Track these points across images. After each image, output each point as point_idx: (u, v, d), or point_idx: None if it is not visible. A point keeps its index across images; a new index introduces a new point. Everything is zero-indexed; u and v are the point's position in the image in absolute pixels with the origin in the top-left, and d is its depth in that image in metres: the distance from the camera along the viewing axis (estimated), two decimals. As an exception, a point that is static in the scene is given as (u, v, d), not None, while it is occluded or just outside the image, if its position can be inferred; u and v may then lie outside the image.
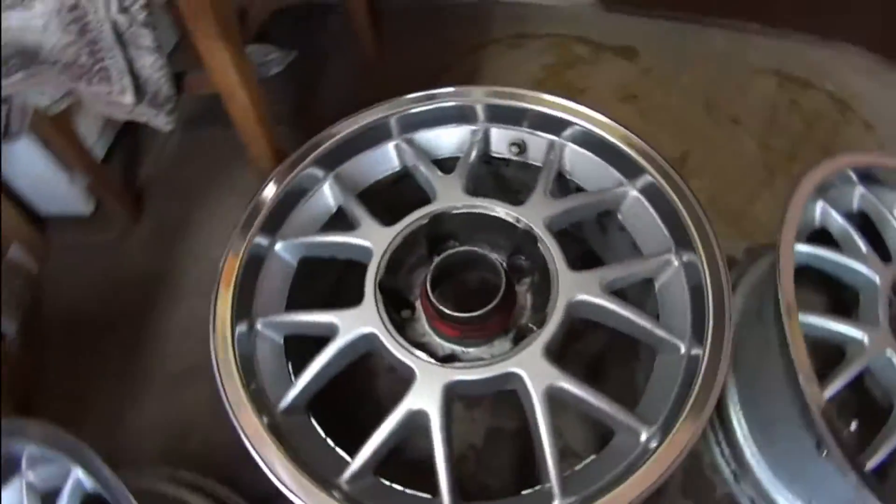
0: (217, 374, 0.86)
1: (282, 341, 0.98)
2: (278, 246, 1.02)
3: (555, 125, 1.09)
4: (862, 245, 1.17)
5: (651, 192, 1.05)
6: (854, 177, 1.23)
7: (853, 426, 1.12)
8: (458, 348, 0.95)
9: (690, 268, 0.96)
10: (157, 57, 1.04)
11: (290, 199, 1.05)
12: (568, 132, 1.09)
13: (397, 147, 1.10)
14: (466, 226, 1.02)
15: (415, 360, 0.86)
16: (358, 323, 0.90)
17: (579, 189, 1.12)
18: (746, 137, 1.87)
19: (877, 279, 1.13)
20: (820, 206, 1.20)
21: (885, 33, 2.14)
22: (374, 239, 0.98)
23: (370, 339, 0.89)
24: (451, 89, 1.09)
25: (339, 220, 1.06)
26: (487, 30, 2.06)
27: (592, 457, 0.89)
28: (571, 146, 1.11)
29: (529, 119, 1.10)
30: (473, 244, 0.98)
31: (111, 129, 1.75)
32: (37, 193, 1.59)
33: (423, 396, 0.84)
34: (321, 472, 0.82)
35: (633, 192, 1.06)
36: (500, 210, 1.00)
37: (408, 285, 1.02)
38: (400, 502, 0.86)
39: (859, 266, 1.14)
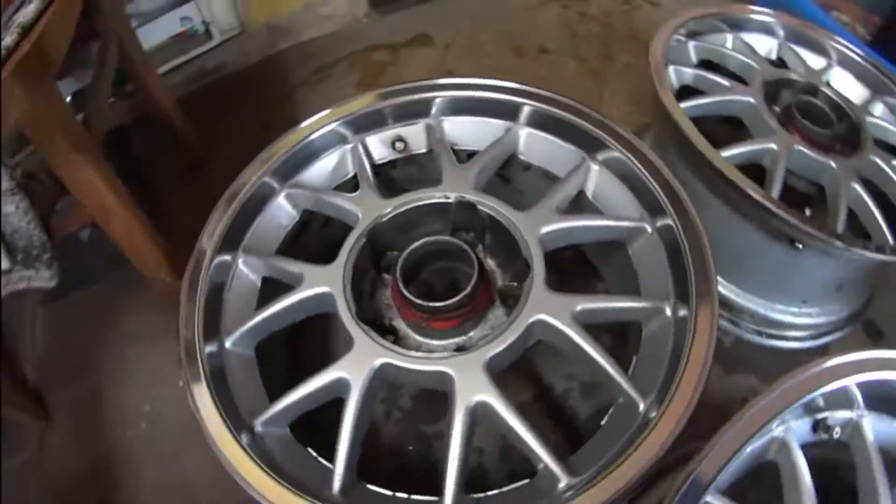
0: (191, 401, 0.79)
1: (253, 353, 0.90)
2: (241, 261, 0.95)
3: (422, 108, 1.05)
4: (721, 80, 1.30)
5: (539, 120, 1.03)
6: (684, 38, 1.39)
7: (807, 212, 1.21)
8: (419, 338, 0.89)
9: (665, 231, 0.90)
10: (20, 198, 0.97)
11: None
12: (441, 107, 1.05)
13: (289, 196, 1.01)
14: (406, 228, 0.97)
15: (358, 330, 0.82)
16: (321, 280, 0.87)
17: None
18: (561, 59, 1.99)
19: (749, 98, 1.24)
20: (672, 70, 1.31)
21: None
22: (365, 206, 0.94)
23: (326, 298, 0.86)
24: (309, 121, 1.03)
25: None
26: (288, 78, 2.05)
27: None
28: (451, 119, 1.08)
29: (396, 113, 1.06)
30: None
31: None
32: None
33: (352, 367, 0.80)
34: (305, 484, 0.76)
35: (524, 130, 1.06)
36: (435, 194, 0.96)
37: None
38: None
39: (734, 96, 1.27)
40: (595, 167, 0.98)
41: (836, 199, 1.14)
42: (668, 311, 0.84)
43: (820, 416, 0.72)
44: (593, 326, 0.83)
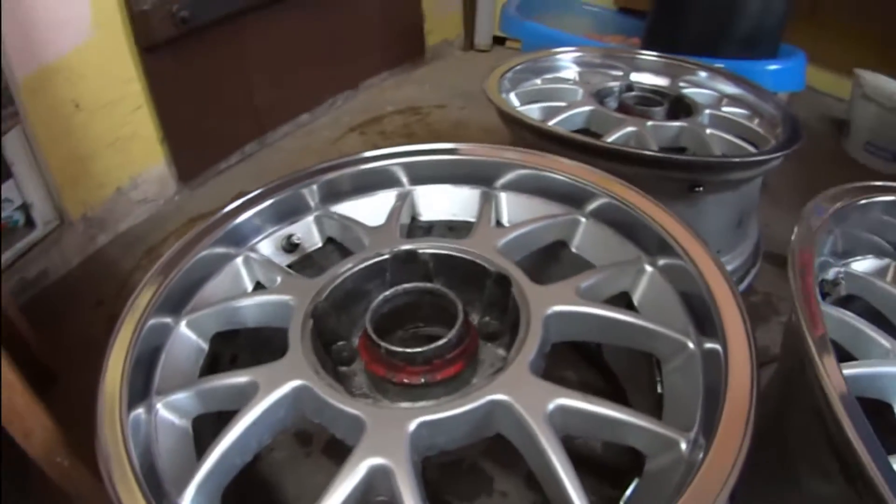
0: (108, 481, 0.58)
1: (189, 426, 0.71)
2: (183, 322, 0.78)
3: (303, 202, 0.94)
4: (557, 103, 1.42)
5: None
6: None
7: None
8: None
9: (673, 269, 0.78)
10: None
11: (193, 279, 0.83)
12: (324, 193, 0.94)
13: (190, 324, 0.81)
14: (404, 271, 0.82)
15: (363, 406, 0.63)
16: (284, 376, 0.66)
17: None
18: None
19: (589, 106, 1.37)
20: (512, 94, 1.37)
21: (387, 56, 2.71)
22: (295, 293, 0.77)
23: (300, 394, 0.66)
24: (176, 246, 0.84)
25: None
26: (120, 269, 1.90)
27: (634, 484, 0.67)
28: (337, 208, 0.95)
29: (279, 211, 0.93)
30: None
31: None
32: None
33: (382, 448, 0.59)
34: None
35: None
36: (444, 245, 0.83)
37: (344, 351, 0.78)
38: None
39: (575, 109, 1.37)
40: (650, 269, 0.81)
41: (703, 145, 1.24)
42: (684, 447, 0.60)
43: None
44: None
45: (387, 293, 0.73)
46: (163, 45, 1.80)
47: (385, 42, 2.71)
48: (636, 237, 0.83)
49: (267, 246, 0.90)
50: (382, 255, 0.81)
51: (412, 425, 0.60)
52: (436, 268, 0.82)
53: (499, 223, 0.91)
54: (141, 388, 0.70)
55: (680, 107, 1.40)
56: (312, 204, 0.93)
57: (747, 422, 0.56)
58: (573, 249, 0.88)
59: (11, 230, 1.67)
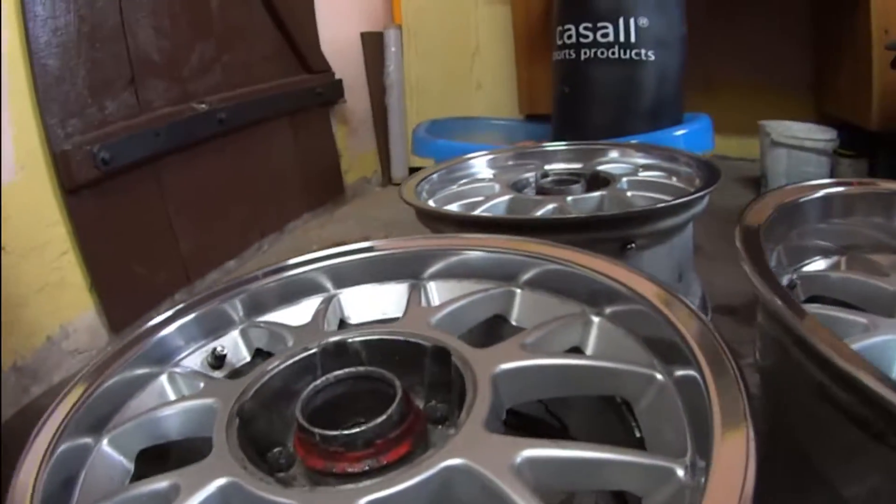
0: None
1: None
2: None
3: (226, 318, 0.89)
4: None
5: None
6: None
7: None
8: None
9: (623, 314, 0.73)
10: None
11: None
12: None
13: (112, 442, 0.72)
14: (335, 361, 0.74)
15: (299, 493, 0.56)
16: (208, 476, 0.58)
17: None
18: None
19: (506, 197, 1.34)
20: None
21: (308, 199, 2.69)
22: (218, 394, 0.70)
23: (228, 492, 0.58)
24: (92, 365, 0.78)
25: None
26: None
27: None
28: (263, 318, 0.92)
29: (203, 326, 0.88)
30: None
31: None
32: None
33: None
34: None
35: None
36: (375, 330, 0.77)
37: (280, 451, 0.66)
38: None
39: (495, 200, 1.34)
40: (597, 319, 0.76)
41: (630, 206, 1.22)
42: (681, 474, 0.52)
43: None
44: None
45: (317, 382, 0.65)
46: (86, 188, 1.75)
47: (304, 184, 2.72)
48: (577, 293, 0.78)
49: (192, 361, 0.84)
50: (310, 349, 0.74)
51: None
52: (369, 356, 0.75)
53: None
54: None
55: (598, 181, 1.40)
56: (237, 317, 0.88)
57: (746, 420, 0.50)
58: (513, 322, 0.82)
59: None
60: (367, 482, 0.55)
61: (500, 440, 0.56)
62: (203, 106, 2.09)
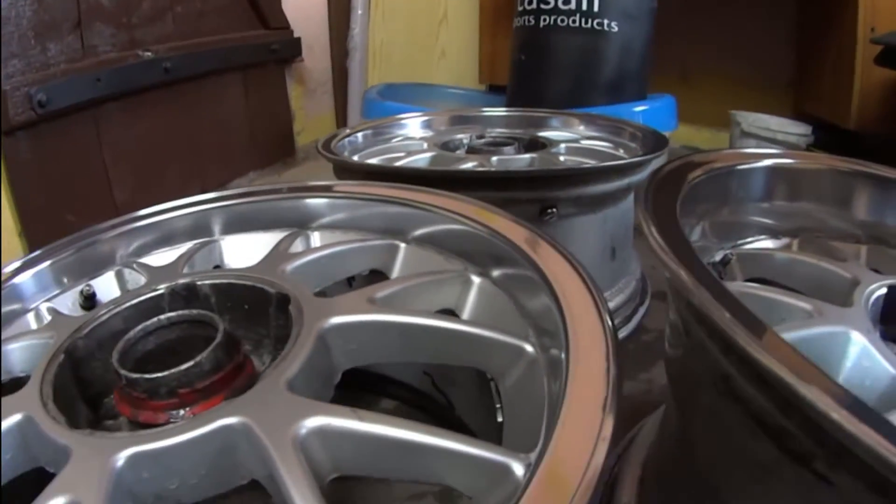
0: None
1: None
2: None
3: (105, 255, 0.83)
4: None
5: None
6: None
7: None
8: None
9: (509, 277, 0.64)
10: None
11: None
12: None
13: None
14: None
15: (77, 437, 0.48)
16: (7, 410, 0.53)
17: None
18: None
19: (430, 153, 1.20)
20: None
21: (256, 156, 2.58)
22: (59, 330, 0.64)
23: (24, 428, 0.52)
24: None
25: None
26: None
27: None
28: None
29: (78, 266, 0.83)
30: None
31: None
32: None
33: (77, 485, 0.44)
34: None
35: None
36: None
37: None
38: None
39: (412, 157, 1.20)
40: (478, 279, 0.66)
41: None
42: (520, 472, 0.41)
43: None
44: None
45: (146, 323, 0.58)
46: (21, 129, 1.65)
47: (253, 142, 2.58)
48: (464, 251, 0.69)
49: (64, 301, 0.78)
50: (158, 289, 0.66)
51: (119, 457, 0.44)
52: (219, 303, 0.66)
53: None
54: None
55: (534, 145, 1.28)
56: (115, 258, 0.82)
57: (604, 414, 0.40)
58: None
59: None
60: (145, 433, 0.47)
61: (291, 402, 0.47)
62: (148, 54, 1.97)
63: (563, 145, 1.22)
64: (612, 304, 1.13)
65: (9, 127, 1.61)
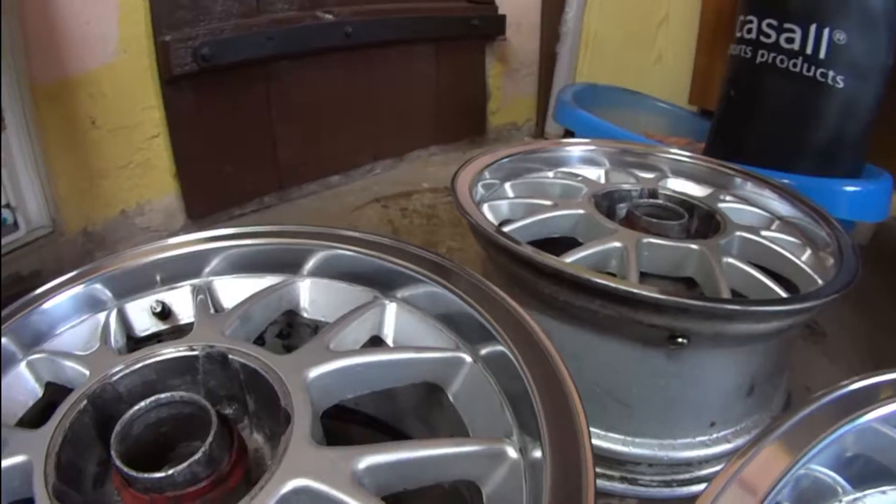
0: None
1: None
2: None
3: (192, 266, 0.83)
4: (543, 201, 1.15)
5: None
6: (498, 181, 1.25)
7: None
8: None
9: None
10: None
11: None
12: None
13: (30, 365, 0.75)
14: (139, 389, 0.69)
15: None
16: (20, 447, 0.57)
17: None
18: None
19: (579, 210, 1.08)
20: (487, 207, 1.13)
21: (441, 129, 2.56)
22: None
23: (21, 472, 0.56)
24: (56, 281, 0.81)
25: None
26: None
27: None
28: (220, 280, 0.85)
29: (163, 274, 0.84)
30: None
31: None
32: None
33: None
34: None
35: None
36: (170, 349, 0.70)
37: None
38: None
39: (559, 212, 1.10)
40: (392, 304, 0.74)
41: (712, 278, 0.92)
42: (514, 453, 0.54)
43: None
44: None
45: (132, 411, 0.58)
46: (184, 79, 1.73)
47: (440, 115, 2.52)
48: (366, 278, 0.77)
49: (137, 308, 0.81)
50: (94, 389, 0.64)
51: None
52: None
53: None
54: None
55: (706, 224, 1.09)
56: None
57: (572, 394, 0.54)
58: (305, 315, 0.78)
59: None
60: None
61: (335, 453, 0.53)
62: (329, 16, 1.95)
63: (739, 234, 1.03)
64: (731, 445, 0.96)
65: (171, 76, 1.68)
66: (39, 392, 0.75)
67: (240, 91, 1.89)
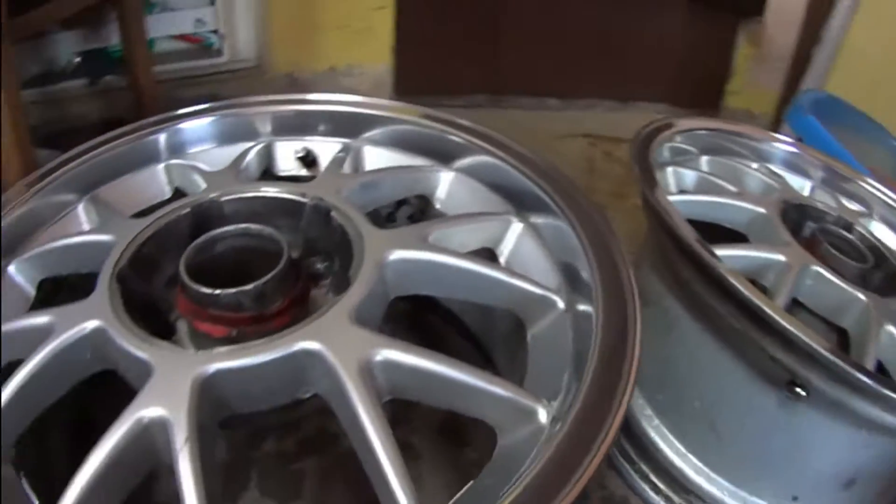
0: None
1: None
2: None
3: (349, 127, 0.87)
4: (731, 187, 1.05)
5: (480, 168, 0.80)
6: (694, 148, 1.15)
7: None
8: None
9: (547, 227, 0.70)
10: None
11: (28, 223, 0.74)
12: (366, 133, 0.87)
13: (167, 168, 0.83)
14: (240, 214, 0.71)
15: (152, 349, 0.53)
16: (81, 317, 0.56)
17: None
18: None
19: (761, 209, 0.97)
20: (671, 171, 1.06)
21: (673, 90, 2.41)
22: (118, 232, 0.67)
23: (95, 337, 0.56)
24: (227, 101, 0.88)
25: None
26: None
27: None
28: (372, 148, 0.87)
29: (320, 124, 0.88)
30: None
31: None
32: None
33: (163, 397, 0.49)
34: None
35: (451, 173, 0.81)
36: (282, 189, 0.72)
37: (167, 303, 0.67)
38: None
39: (742, 202, 0.99)
40: (519, 225, 0.71)
41: (862, 343, 0.81)
42: (561, 303, 0.60)
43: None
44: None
45: (199, 240, 0.61)
46: None
47: (678, 76, 2.40)
48: (509, 192, 0.75)
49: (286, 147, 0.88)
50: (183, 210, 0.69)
51: (202, 371, 0.50)
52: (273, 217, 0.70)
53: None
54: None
55: (889, 282, 0.96)
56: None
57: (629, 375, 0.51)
58: (437, 206, 0.79)
59: (205, 48, 1.89)
60: (225, 350, 0.52)
61: (362, 335, 0.53)
62: None
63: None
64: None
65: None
66: (168, 193, 0.82)
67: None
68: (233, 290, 0.55)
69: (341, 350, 0.51)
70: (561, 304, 0.61)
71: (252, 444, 0.88)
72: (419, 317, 0.95)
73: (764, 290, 0.84)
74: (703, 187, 1.04)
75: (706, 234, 0.81)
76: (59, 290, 0.72)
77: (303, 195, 0.70)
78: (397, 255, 0.60)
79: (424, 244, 0.63)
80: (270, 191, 0.71)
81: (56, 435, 0.71)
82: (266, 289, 0.56)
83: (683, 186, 1.06)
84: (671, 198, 0.91)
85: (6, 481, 0.53)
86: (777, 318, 0.69)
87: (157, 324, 0.61)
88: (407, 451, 0.61)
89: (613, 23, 2.12)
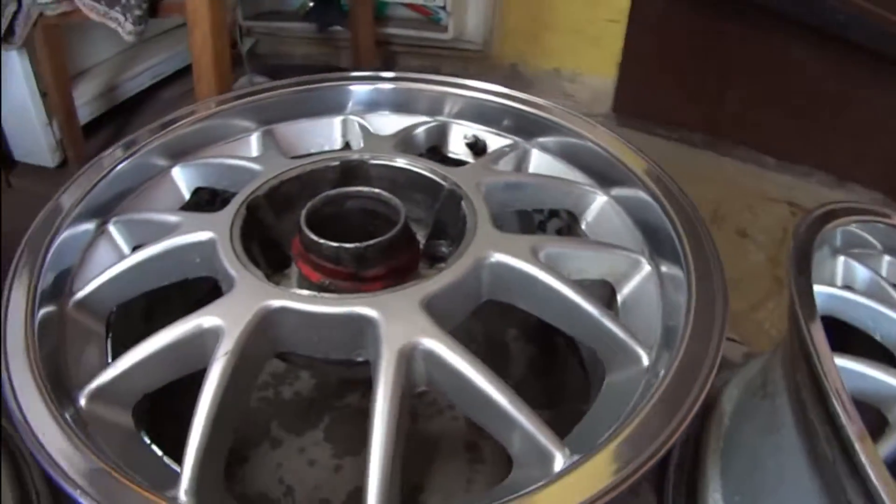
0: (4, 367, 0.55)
1: (103, 330, 0.66)
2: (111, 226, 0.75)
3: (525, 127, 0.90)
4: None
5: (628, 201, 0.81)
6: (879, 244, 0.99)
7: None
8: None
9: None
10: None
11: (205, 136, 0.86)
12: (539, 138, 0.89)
13: (345, 122, 0.91)
14: (381, 180, 0.76)
15: (242, 270, 0.59)
16: (203, 225, 0.65)
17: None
18: (754, 250, 1.71)
19: None
20: (842, 261, 0.94)
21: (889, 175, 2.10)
22: (270, 165, 0.75)
23: (206, 246, 0.63)
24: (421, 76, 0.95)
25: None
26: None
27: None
28: (538, 153, 0.90)
29: (496, 116, 0.92)
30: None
31: (104, 102, 1.70)
32: (13, 133, 1.53)
33: (227, 311, 0.55)
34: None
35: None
36: (428, 167, 0.75)
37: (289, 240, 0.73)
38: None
39: None
40: (648, 269, 0.71)
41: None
42: (646, 362, 0.61)
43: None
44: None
45: (331, 192, 0.67)
46: None
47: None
48: (589, 167, 0.84)
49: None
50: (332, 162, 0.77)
51: (269, 303, 0.55)
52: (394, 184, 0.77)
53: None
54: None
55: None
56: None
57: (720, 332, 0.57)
58: (582, 226, 0.81)
59: (432, 21, 1.96)
60: (298, 292, 0.58)
61: (420, 320, 0.56)
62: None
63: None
64: None
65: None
66: (339, 144, 0.89)
67: (717, 18, 1.80)
68: (334, 244, 0.59)
69: (393, 326, 0.54)
70: (644, 362, 0.60)
71: (338, 393, 0.92)
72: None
73: (883, 418, 0.74)
74: (873, 292, 0.92)
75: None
76: (213, 200, 0.80)
77: (444, 178, 0.72)
78: (498, 258, 0.63)
79: (532, 257, 0.64)
80: (415, 166, 0.73)
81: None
82: (367, 252, 0.59)
83: (850, 282, 0.94)
84: (830, 290, 0.84)
85: (130, 433, 0.58)
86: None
87: (276, 255, 0.66)
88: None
89: (850, 96, 1.93)
